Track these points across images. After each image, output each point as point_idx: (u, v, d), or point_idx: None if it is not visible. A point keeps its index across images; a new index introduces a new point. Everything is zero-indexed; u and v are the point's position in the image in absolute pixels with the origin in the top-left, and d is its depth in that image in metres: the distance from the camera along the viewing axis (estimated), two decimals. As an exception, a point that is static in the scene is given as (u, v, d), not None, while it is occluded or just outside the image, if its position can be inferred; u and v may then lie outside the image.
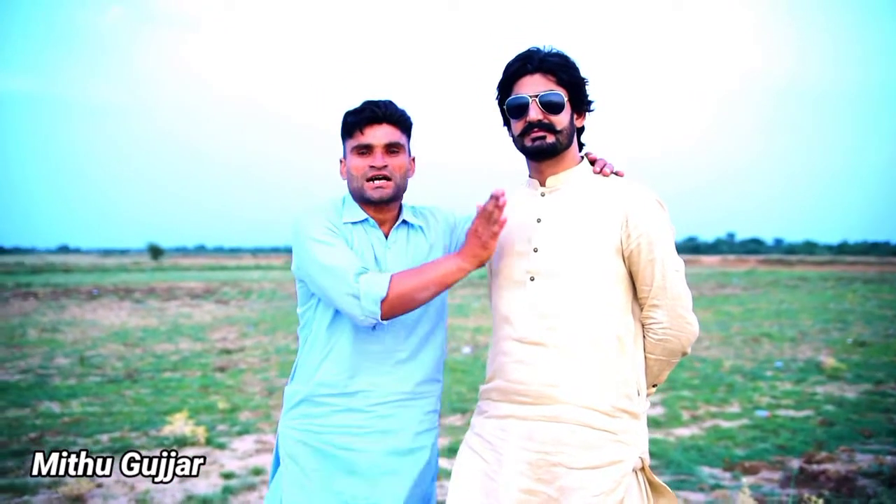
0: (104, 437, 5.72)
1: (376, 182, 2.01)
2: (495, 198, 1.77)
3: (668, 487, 1.87)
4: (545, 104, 1.84)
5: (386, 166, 2.01)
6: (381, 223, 2.09)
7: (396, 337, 2.04)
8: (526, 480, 1.81)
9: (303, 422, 2.05)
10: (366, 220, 2.07)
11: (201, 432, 5.51)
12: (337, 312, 2.03)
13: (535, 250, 1.88)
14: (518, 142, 1.92)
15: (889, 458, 4.99)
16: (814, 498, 3.59)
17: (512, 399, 1.87)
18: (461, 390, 7.62)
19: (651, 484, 1.86)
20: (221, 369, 9.19)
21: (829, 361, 8.97)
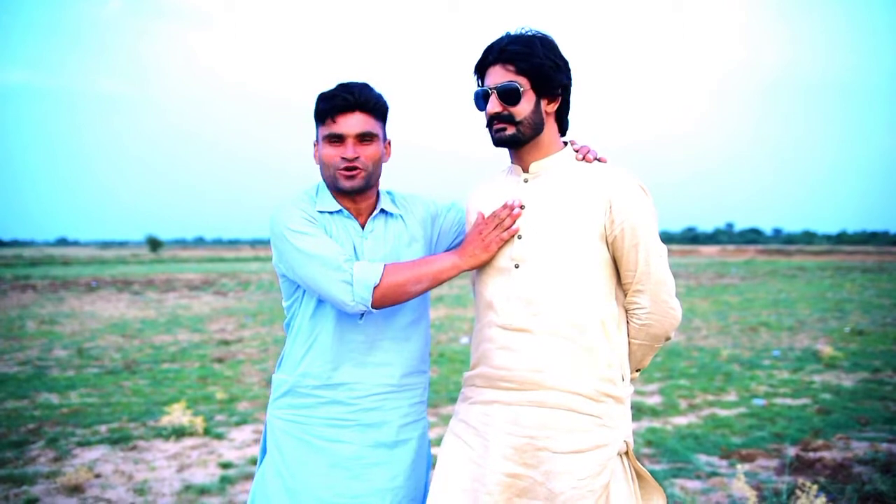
0: (102, 428, 5.74)
1: (348, 172, 1.96)
2: (510, 207, 1.86)
3: (651, 475, 1.89)
4: (502, 95, 1.83)
5: (357, 157, 1.95)
6: (357, 212, 2.05)
7: (377, 326, 2.02)
8: (512, 465, 1.81)
9: (288, 412, 2.04)
10: (340, 210, 2.03)
11: (199, 422, 5.53)
12: (320, 303, 2.01)
13: (520, 237, 1.88)
14: (488, 131, 1.92)
15: (885, 445, 5.02)
16: (809, 484, 3.61)
17: (496, 385, 1.87)
18: (459, 380, 7.63)
19: (635, 471, 1.87)
20: (220, 360, 9.20)
21: (826, 350, 8.99)
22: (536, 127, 1.87)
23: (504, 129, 1.85)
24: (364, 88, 1.98)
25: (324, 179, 2.05)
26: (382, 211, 2.08)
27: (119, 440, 5.36)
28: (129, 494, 4.25)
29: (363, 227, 2.05)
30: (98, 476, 4.54)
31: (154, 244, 69.26)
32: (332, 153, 1.98)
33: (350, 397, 1.99)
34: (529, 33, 1.86)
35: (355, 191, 1.99)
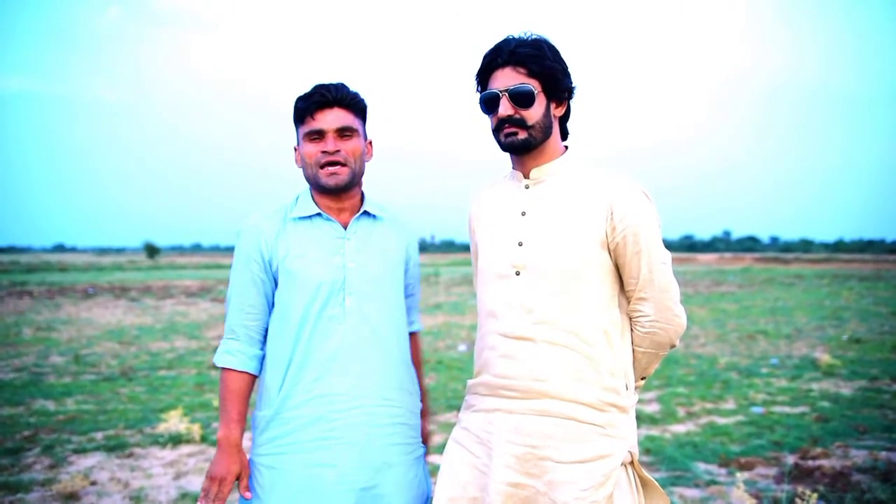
0: (99, 435, 5.70)
1: (330, 168, 1.94)
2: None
3: (657, 482, 1.85)
4: (515, 98, 1.79)
5: (339, 151, 1.94)
6: (339, 212, 2.02)
7: (359, 335, 1.96)
8: (514, 474, 1.78)
9: (270, 447, 1.96)
10: (318, 214, 2.00)
11: (196, 430, 5.50)
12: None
13: (520, 244, 1.84)
14: (494, 136, 1.88)
15: (884, 453, 5.00)
16: (808, 493, 3.59)
17: (499, 393, 1.84)
18: (457, 387, 7.61)
19: (640, 479, 1.84)
20: (216, 367, 9.15)
21: (824, 358, 8.98)
22: (546, 131, 1.84)
23: (515, 134, 1.81)
24: (341, 86, 1.97)
25: (307, 179, 2.01)
26: (366, 212, 2.05)
27: (115, 447, 5.33)
28: (126, 502, 4.23)
29: (346, 228, 2.01)
30: (94, 483, 4.52)
31: (151, 250, 69.16)
32: (313, 150, 1.96)
33: (333, 411, 1.92)
34: (534, 37, 1.84)
35: (340, 188, 1.96)
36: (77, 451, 5.23)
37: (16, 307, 18.17)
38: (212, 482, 1.93)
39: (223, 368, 1.98)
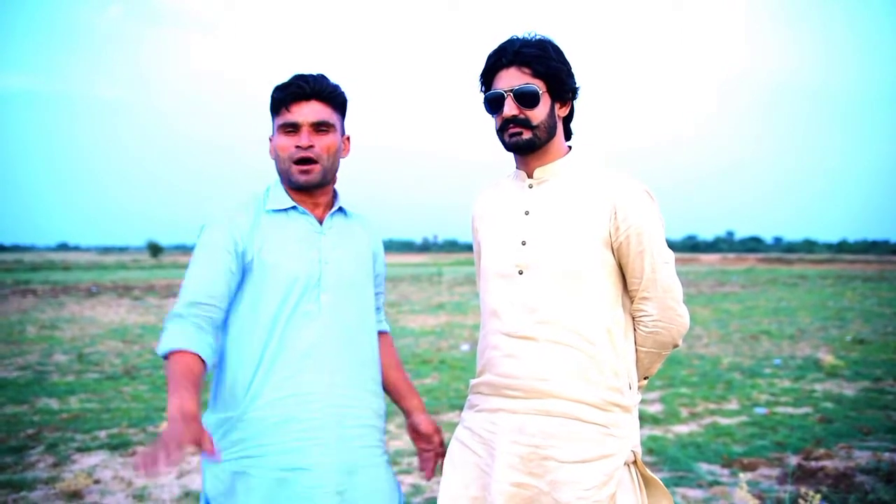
0: (102, 434, 5.72)
1: (303, 166, 1.87)
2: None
3: (660, 481, 1.85)
4: (519, 98, 1.79)
5: (312, 146, 1.87)
6: (314, 206, 1.96)
7: (333, 333, 1.90)
8: (517, 474, 1.78)
9: (237, 450, 1.84)
10: (294, 207, 1.93)
11: (199, 428, 5.50)
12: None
13: (524, 243, 1.84)
14: (498, 136, 1.88)
15: (887, 454, 4.99)
16: (811, 494, 3.59)
17: (502, 393, 1.84)
18: (460, 387, 7.62)
19: (643, 478, 1.83)
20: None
21: (827, 359, 8.97)
22: (551, 131, 1.85)
23: (520, 134, 1.81)
24: (320, 78, 1.91)
25: (279, 174, 1.95)
26: (341, 209, 2.01)
27: (119, 446, 5.34)
28: (129, 500, 4.24)
29: (321, 223, 1.96)
30: (97, 482, 4.53)
31: (154, 249, 69.30)
32: (287, 143, 1.89)
33: (305, 411, 1.85)
34: (538, 37, 1.84)
35: (312, 185, 1.90)
36: (80, 450, 5.24)
37: (19, 306, 18.22)
38: (165, 446, 1.47)
39: (170, 353, 1.75)
